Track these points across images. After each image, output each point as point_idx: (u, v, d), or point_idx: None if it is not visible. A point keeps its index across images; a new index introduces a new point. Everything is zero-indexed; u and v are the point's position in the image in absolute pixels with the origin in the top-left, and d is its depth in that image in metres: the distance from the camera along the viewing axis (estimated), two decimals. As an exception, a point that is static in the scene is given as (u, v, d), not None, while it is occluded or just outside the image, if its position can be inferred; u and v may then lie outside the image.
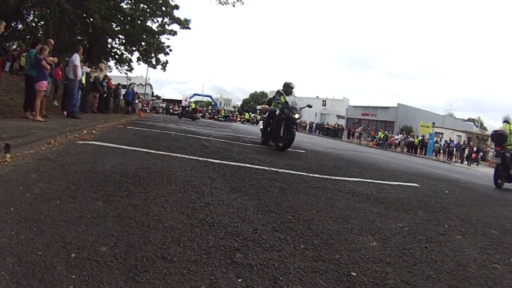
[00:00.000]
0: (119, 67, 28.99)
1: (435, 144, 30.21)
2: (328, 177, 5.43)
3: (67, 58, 10.72)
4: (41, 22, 20.49)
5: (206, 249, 2.10)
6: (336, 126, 43.27)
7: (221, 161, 5.40)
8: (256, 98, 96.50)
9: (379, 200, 4.21)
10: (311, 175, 5.35)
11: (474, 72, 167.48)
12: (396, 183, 6.00)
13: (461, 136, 35.87)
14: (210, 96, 67.23)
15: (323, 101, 70.42)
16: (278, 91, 9.48)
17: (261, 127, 10.94)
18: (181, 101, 56.63)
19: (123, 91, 24.87)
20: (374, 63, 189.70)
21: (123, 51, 27.45)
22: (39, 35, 20.50)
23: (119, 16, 23.62)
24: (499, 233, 3.52)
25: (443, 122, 40.49)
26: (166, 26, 26.52)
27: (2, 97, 9.27)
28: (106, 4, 19.30)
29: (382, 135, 33.81)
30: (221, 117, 44.97)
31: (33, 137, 4.98)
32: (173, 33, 26.84)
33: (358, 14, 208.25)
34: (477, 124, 60.33)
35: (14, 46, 21.95)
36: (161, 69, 29.10)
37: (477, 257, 2.67)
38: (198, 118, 34.00)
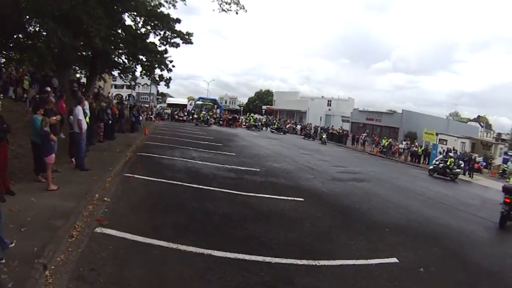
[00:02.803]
0: (123, 77, 29.85)
1: (439, 155, 30.45)
2: (315, 262, 6.27)
3: (74, 107, 10.73)
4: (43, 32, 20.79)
5: None
6: (340, 131, 44.00)
7: (222, 253, 6.20)
8: (262, 96, 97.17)
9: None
10: (299, 262, 6.20)
11: (480, 67, 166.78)
12: (375, 261, 6.72)
13: (465, 142, 36.24)
14: (215, 100, 67.74)
15: (328, 101, 70.87)
16: None
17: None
18: (186, 105, 57.28)
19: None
20: (379, 58, 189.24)
21: (126, 61, 28.24)
22: (39, 45, 21.28)
23: (121, 35, 24.28)
24: None
25: (448, 128, 40.99)
26: (169, 40, 27.12)
27: (10, 144, 8.61)
28: (106, 22, 19.61)
29: (386, 143, 34.49)
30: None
31: (57, 236, 5.63)
32: (176, 45, 27.54)
33: (364, 8, 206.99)
34: (482, 124, 60.49)
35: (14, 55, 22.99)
36: (165, 85, 30.07)
37: None
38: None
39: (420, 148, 32.02)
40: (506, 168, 26.64)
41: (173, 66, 28.76)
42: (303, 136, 43.06)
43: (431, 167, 24.60)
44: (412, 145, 33.14)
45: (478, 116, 72.05)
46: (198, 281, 5.21)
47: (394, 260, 6.97)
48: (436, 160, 24.68)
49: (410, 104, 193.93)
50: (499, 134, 46.36)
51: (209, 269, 5.61)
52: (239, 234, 7.33)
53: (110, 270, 5.17)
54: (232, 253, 6.30)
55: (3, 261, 4.61)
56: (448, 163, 23.27)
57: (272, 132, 44.87)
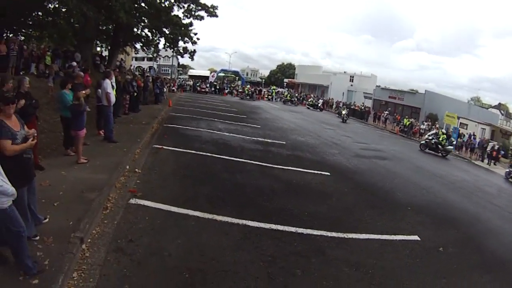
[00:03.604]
0: (145, 49, 29.96)
1: (459, 139, 30.32)
2: (344, 235, 6.76)
3: (102, 81, 10.94)
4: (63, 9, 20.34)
5: None
6: (363, 107, 43.88)
7: (256, 224, 6.71)
8: (283, 70, 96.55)
9: (375, 274, 5.52)
10: (329, 234, 6.71)
11: (504, 53, 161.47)
12: (398, 237, 7.20)
13: (485, 129, 35.68)
14: (237, 72, 67.40)
15: (350, 76, 69.75)
16: None
17: None
18: (208, 77, 57.21)
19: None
20: (403, 36, 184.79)
21: (149, 34, 27.98)
22: (60, 22, 20.96)
23: (144, 8, 23.84)
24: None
25: (469, 113, 40.15)
26: (193, 12, 26.76)
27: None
28: None
29: (408, 123, 34.37)
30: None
31: (91, 209, 5.75)
32: (200, 18, 27.14)
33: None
34: (503, 112, 59.32)
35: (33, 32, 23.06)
36: (189, 57, 29.78)
37: None
38: None
39: (441, 130, 31.76)
40: None
41: (198, 39, 28.59)
42: (337, 115, 40.26)
43: (423, 142, 24.81)
44: (433, 127, 32.86)
45: (499, 104, 70.32)
46: (235, 250, 5.64)
47: (415, 237, 7.39)
48: (429, 135, 24.85)
49: (432, 84, 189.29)
50: (519, 123, 45.44)
51: (246, 239, 6.07)
52: (271, 206, 7.82)
53: (148, 241, 5.40)
54: (266, 223, 6.78)
55: (37, 237, 4.63)
56: (440, 139, 23.46)
57: (308, 108, 44.07)
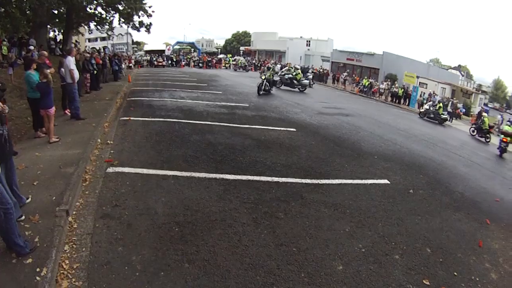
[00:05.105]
0: (99, 28, 29.13)
1: (419, 97, 31.18)
2: (317, 181, 7.11)
3: (64, 59, 10.57)
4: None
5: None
6: (321, 70, 44.24)
7: (234, 177, 6.91)
8: (239, 38, 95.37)
9: (352, 213, 5.88)
10: (303, 181, 7.01)
11: (464, 20, 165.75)
12: (369, 181, 7.58)
13: (445, 88, 36.82)
14: (192, 43, 66.53)
15: (307, 41, 69.82)
16: None
17: None
18: (164, 51, 55.93)
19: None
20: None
21: (103, 12, 27.53)
22: (12, 11, 20.45)
23: None
24: (431, 251, 5.08)
25: (428, 73, 41.11)
26: None
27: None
28: None
29: (367, 83, 35.02)
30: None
31: (71, 182, 5.65)
32: None
33: None
34: (463, 73, 61.36)
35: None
36: (146, 31, 29.55)
37: (401, 278, 4.36)
38: None
39: (401, 89, 32.61)
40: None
41: (153, 11, 28.67)
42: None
43: (277, 78, 24.35)
44: (393, 86, 33.66)
45: (459, 65, 72.77)
46: (218, 201, 5.81)
47: (386, 181, 7.82)
48: (282, 72, 25.58)
49: (390, 47, 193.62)
50: (480, 85, 47.21)
51: (226, 190, 6.24)
52: (244, 160, 7.97)
53: (133, 203, 5.46)
54: (243, 175, 6.98)
55: (23, 217, 4.55)
56: (295, 74, 24.54)
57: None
